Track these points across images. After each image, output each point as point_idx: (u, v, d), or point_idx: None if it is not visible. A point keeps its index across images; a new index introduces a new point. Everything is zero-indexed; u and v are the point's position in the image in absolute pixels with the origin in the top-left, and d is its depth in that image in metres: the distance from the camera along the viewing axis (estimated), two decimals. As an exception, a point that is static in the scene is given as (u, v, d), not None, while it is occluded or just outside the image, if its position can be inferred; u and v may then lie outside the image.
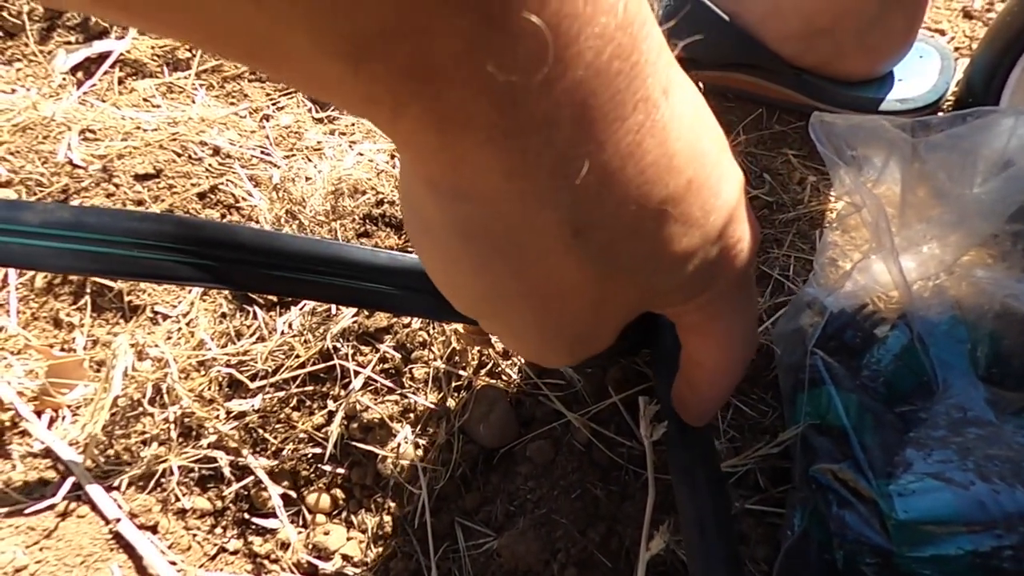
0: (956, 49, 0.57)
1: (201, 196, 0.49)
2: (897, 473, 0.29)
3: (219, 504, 0.37)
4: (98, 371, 0.42)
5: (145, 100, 0.59)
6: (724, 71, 0.54)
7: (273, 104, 0.58)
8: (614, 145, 0.14)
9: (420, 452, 0.37)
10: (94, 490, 0.35)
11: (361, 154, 0.50)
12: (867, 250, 0.39)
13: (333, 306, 0.40)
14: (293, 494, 0.37)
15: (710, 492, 0.28)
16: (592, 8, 0.12)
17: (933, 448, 0.29)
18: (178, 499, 0.36)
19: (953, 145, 0.33)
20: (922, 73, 0.54)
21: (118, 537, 0.34)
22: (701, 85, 0.52)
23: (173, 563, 0.34)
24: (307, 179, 0.46)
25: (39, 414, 0.40)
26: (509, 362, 0.41)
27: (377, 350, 0.39)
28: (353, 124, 0.54)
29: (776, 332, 0.38)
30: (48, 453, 0.38)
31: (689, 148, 0.16)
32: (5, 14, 0.62)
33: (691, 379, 0.25)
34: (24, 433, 0.40)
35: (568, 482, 0.36)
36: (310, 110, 0.57)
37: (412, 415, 0.38)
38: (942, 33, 0.59)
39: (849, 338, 0.34)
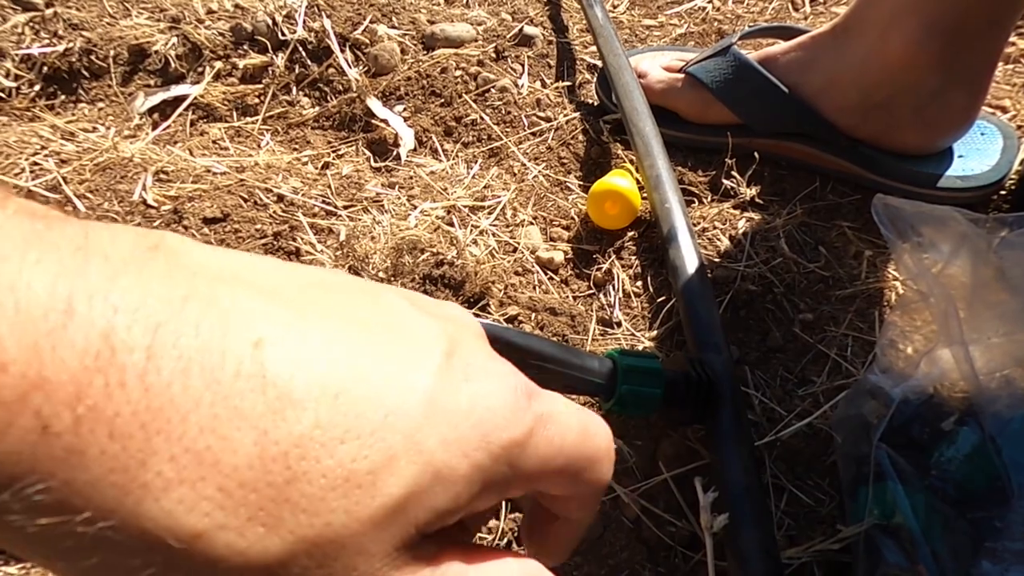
0: (1019, 127, 0.56)
1: (265, 243, 0.51)
2: (972, 588, 0.28)
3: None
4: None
5: (214, 143, 0.62)
6: (778, 140, 0.55)
7: (333, 151, 0.60)
8: (187, 431, 0.12)
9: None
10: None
11: (424, 212, 0.51)
12: (933, 338, 0.38)
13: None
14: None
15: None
16: (55, 338, 0.11)
17: (1011, 563, 0.28)
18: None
19: (1030, 244, 0.33)
20: (984, 151, 0.53)
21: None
22: (756, 154, 0.53)
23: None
24: (372, 238, 0.47)
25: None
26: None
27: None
28: (411, 177, 0.56)
29: (835, 418, 0.38)
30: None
31: (324, 366, 0.13)
32: (93, 56, 0.66)
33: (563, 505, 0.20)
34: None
35: (616, 561, 0.36)
36: (368, 159, 0.59)
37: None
38: (1004, 110, 0.58)
39: (916, 433, 0.33)
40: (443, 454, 0.14)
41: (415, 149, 0.59)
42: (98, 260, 0.12)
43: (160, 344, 0.12)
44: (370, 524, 0.13)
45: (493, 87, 0.61)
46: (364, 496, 0.13)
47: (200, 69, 0.66)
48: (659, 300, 0.47)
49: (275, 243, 0.51)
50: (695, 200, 0.53)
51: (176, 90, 0.65)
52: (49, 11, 0.70)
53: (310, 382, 0.13)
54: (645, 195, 0.51)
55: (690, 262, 0.44)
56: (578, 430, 0.17)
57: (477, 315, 0.32)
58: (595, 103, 0.61)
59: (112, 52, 0.67)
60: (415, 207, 0.53)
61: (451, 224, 0.51)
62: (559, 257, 0.50)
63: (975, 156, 0.53)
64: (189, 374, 0.12)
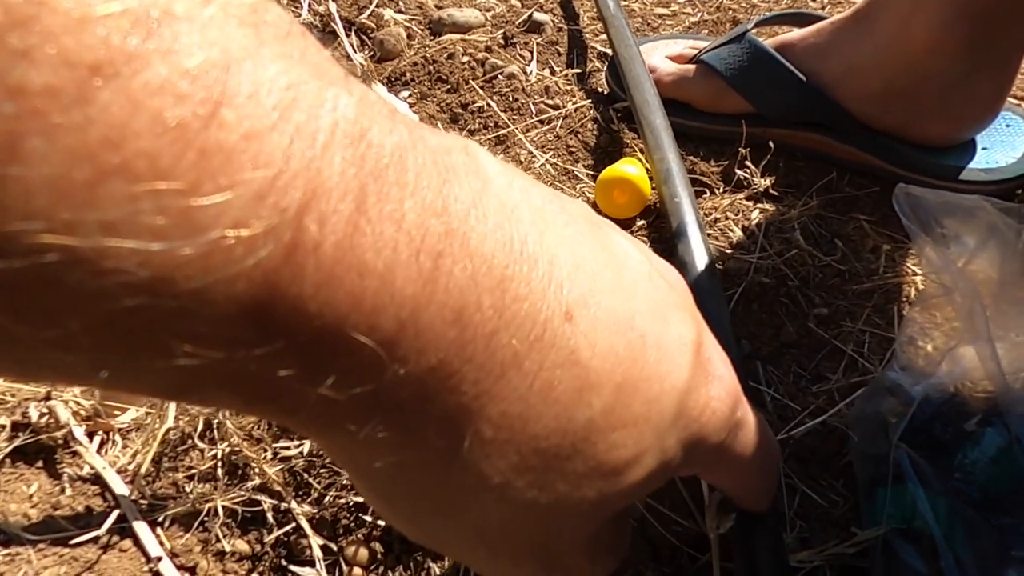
0: (1046, 119, 0.54)
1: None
2: (998, 597, 0.26)
3: (258, 548, 0.36)
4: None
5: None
6: (795, 130, 0.53)
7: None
8: (509, 394, 0.13)
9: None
10: (139, 525, 0.35)
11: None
12: (954, 335, 0.36)
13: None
14: (332, 545, 0.36)
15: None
16: (431, 288, 0.11)
17: (1039, 571, 0.26)
18: (219, 540, 0.35)
19: (1064, 234, 0.31)
20: (1009, 143, 0.51)
21: None
22: (771, 144, 0.51)
23: (208, 607, 0.33)
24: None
25: (91, 436, 0.41)
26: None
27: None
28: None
29: (852, 416, 0.36)
30: (97, 479, 0.38)
31: (612, 352, 0.14)
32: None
33: (722, 489, 0.24)
34: (75, 454, 0.40)
35: (620, 560, 0.34)
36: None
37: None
38: (1031, 101, 0.56)
39: (938, 433, 0.32)
40: (674, 451, 0.15)
41: (420, 136, 0.58)
42: (456, 200, 0.12)
43: (499, 306, 0.12)
44: (606, 502, 0.15)
45: (501, 74, 0.60)
46: (615, 481, 0.15)
47: (203, 53, 0.65)
48: (668, 292, 0.46)
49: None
50: (707, 191, 0.52)
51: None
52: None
53: (602, 366, 0.14)
54: (655, 185, 0.49)
55: (699, 259, 0.42)
56: (753, 450, 0.18)
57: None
58: (605, 91, 0.60)
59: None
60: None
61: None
62: (565, 247, 0.48)
63: (1000, 148, 0.51)
64: (520, 339, 0.13)
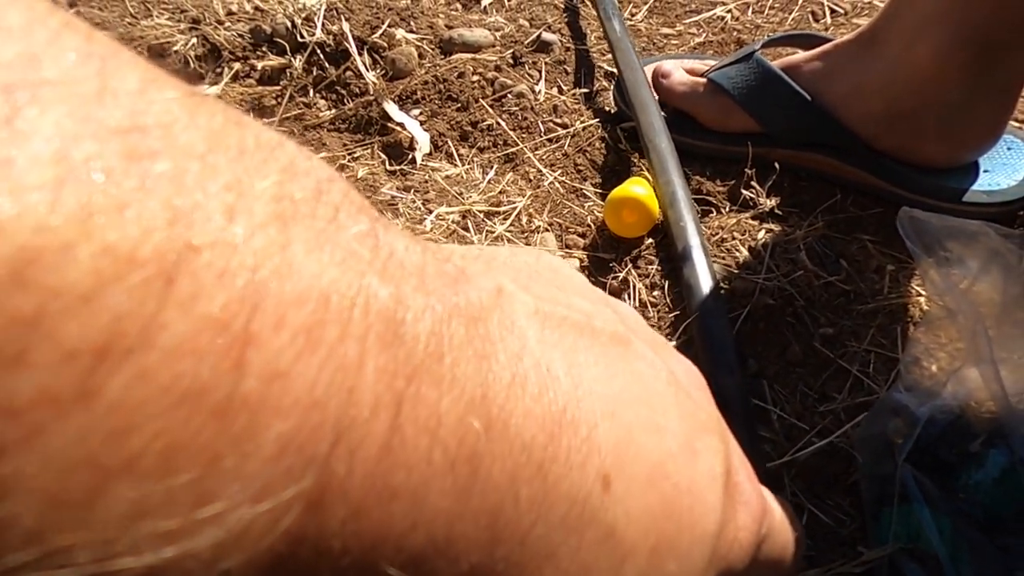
0: (1047, 141, 0.55)
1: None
2: (1004, 618, 0.26)
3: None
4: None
5: (230, 144, 0.62)
6: (800, 150, 0.54)
7: (349, 154, 0.60)
8: None
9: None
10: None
11: (439, 216, 0.51)
12: (958, 356, 0.37)
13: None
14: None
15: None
16: (467, 496, 0.10)
17: (1044, 593, 0.27)
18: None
19: (1065, 261, 0.32)
20: (1011, 165, 0.52)
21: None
22: (777, 164, 0.52)
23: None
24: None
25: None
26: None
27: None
28: (426, 181, 0.56)
29: (858, 436, 0.37)
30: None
31: (648, 513, 0.13)
32: (113, 57, 0.67)
33: None
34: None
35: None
36: (384, 163, 0.59)
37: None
38: (1031, 124, 0.57)
39: (944, 454, 0.32)
40: None
41: (431, 153, 0.59)
42: (495, 379, 0.11)
43: (538, 497, 0.11)
44: (701, 567, 0.14)
45: (510, 92, 0.61)
46: None
47: (219, 70, 0.66)
48: (676, 311, 0.46)
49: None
50: (713, 210, 0.53)
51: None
52: (72, 11, 0.70)
53: (637, 532, 0.12)
54: (661, 207, 0.50)
55: (704, 282, 0.43)
56: (779, 553, 0.18)
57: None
58: (612, 110, 0.61)
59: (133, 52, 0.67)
60: (430, 211, 0.52)
61: (466, 229, 0.51)
62: (574, 265, 0.49)
63: (1001, 171, 0.52)
64: (557, 527, 0.11)
